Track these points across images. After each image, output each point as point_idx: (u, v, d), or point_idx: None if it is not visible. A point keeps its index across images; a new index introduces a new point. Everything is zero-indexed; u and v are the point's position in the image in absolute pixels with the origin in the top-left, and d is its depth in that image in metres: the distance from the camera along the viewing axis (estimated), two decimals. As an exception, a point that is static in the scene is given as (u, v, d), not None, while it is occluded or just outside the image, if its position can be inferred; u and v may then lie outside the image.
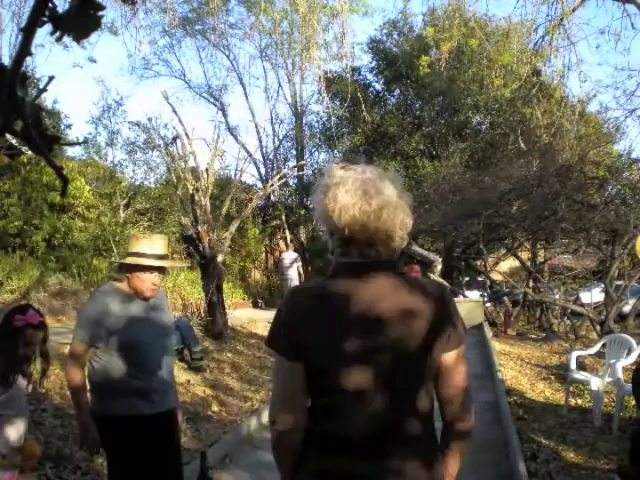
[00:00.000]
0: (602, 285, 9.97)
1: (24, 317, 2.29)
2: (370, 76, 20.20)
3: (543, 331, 12.08)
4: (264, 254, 22.81)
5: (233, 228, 9.04)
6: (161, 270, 2.56)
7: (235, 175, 20.25)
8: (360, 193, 1.25)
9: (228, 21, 23.40)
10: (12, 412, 2.20)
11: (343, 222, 1.25)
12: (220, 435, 4.78)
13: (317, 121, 22.73)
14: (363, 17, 28.09)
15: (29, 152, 0.75)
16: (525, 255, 14.82)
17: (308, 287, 1.56)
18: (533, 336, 11.63)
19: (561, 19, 8.22)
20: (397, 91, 19.83)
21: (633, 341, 5.53)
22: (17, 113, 0.68)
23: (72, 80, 19.94)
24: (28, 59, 0.70)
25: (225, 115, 24.54)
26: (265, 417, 5.56)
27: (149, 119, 17.40)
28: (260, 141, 25.57)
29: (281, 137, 25.65)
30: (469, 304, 13.40)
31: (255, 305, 18.27)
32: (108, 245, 11.60)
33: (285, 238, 22.73)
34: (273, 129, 26.13)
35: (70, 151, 14.40)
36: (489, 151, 17.43)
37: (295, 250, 23.12)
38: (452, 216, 12.15)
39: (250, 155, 11.56)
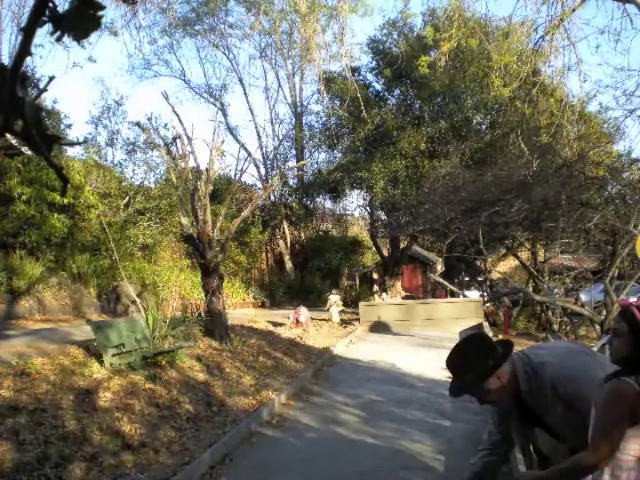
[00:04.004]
0: (602, 285, 9.96)
1: None
2: (370, 76, 20.19)
3: (543, 331, 12.09)
4: (264, 254, 22.80)
5: (233, 228, 9.04)
6: None
7: (235, 175, 20.25)
8: None
9: (228, 21, 23.44)
10: None
11: None
12: (220, 435, 4.78)
13: (317, 121, 22.72)
14: (363, 17, 28.12)
15: (29, 152, 0.75)
16: (525, 255, 14.82)
17: None
18: (533, 336, 11.62)
19: (561, 19, 8.22)
20: (397, 91, 19.80)
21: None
22: (17, 113, 0.68)
23: (72, 80, 19.97)
24: (28, 59, 0.70)
25: (225, 115, 24.54)
26: (265, 417, 5.56)
27: (149, 119, 17.39)
28: (260, 141, 25.60)
29: (281, 137, 25.68)
30: (469, 304, 13.40)
31: (255, 305, 18.27)
32: (108, 245, 11.59)
33: (285, 238, 22.74)
34: (273, 129, 26.16)
35: (70, 151, 14.38)
36: (489, 151, 17.42)
37: (293, 250, 23.17)
38: (452, 216, 12.15)
39: (250, 155, 11.55)
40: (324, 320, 13.83)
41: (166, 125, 17.15)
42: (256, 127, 25.97)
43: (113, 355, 5.98)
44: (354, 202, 29.65)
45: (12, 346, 5.88)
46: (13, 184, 10.55)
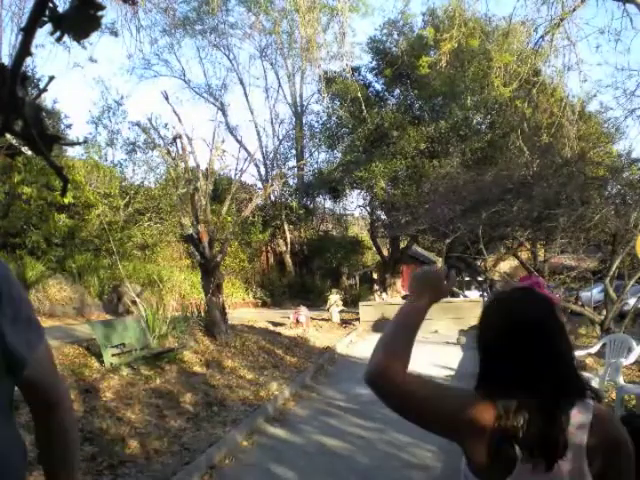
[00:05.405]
0: (602, 285, 9.95)
1: None
2: (370, 76, 20.19)
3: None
4: (264, 253, 22.80)
5: (233, 228, 9.03)
6: None
7: (235, 175, 20.24)
8: None
9: (228, 21, 23.47)
10: None
11: None
12: (220, 435, 4.78)
13: (317, 121, 22.72)
14: (363, 17, 28.09)
15: (29, 152, 0.75)
16: (525, 255, 14.82)
17: None
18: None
19: (561, 19, 8.23)
20: (397, 91, 19.81)
21: (633, 341, 5.53)
22: (17, 113, 0.68)
23: (72, 80, 19.99)
24: (28, 59, 0.70)
25: (225, 115, 24.59)
26: (266, 416, 5.56)
27: (149, 119, 17.39)
28: (260, 141, 25.63)
29: (281, 137, 25.71)
30: (469, 304, 13.40)
31: (255, 304, 18.28)
32: (108, 245, 11.59)
33: (285, 238, 22.74)
34: (273, 129, 26.21)
35: (70, 151, 14.39)
36: (489, 151, 17.42)
37: (294, 249, 23.15)
38: (452, 216, 12.16)
39: (250, 155, 11.56)
40: (324, 320, 13.83)
41: (166, 125, 17.15)
42: (256, 127, 26.09)
43: (113, 355, 5.98)
44: (354, 202, 29.68)
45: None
46: (14, 184, 10.56)
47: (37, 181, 10.74)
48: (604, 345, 5.95)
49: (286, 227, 22.55)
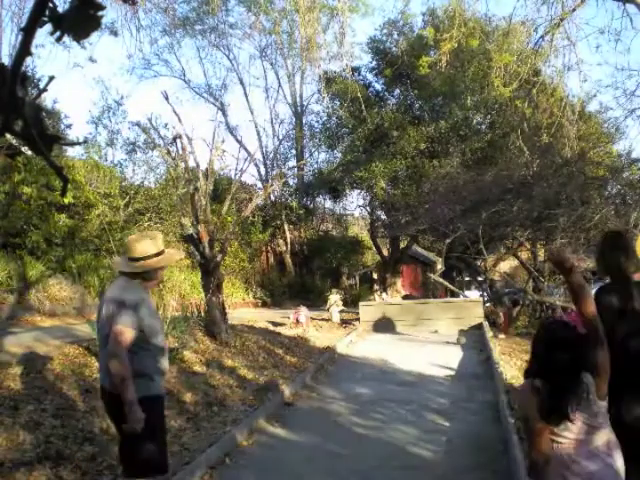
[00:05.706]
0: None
1: None
2: (370, 76, 20.20)
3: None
4: (265, 253, 22.79)
5: (233, 228, 9.03)
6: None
7: (235, 175, 20.21)
8: None
9: (228, 21, 23.48)
10: None
11: None
12: (221, 434, 4.79)
13: (317, 121, 22.72)
14: (363, 17, 28.09)
15: (29, 152, 0.75)
16: (525, 255, 14.82)
17: None
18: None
19: (561, 19, 8.23)
20: (397, 91, 19.82)
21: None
22: (17, 113, 0.68)
23: (72, 80, 20.00)
24: (28, 59, 0.70)
25: (225, 115, 24.60)
26: (266, 416, 5.56)
27: (149, 119, 17.38)
28: (260, 141, 25.63)
29: (281, 137, 25.71)
30: (469, 304, 13.41)
31: (255, 304, 18.27)
32: (108, 245, 11.59)
33: (285, 238, 22.74)
34: (273, 129, 26.21)
35: (70, 151, 14.38)
36: (489, 151, 17.42)
37: (294, 249, 23.16)
38: (452, 216, 12.17)
39: (250, 155, 11.56)
40: (324, 320, 13.83)
41: (166, 125, 17.15)
42: (256, 127, 26.09)
43: (113, 355, 5.97)
44: (354, 202, 29.67)
45: (15, 345, 5.88)
46: (14, 184, 10.56)
47: (37, 181, 10.73)
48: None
49: (286, 227, 22.54)
